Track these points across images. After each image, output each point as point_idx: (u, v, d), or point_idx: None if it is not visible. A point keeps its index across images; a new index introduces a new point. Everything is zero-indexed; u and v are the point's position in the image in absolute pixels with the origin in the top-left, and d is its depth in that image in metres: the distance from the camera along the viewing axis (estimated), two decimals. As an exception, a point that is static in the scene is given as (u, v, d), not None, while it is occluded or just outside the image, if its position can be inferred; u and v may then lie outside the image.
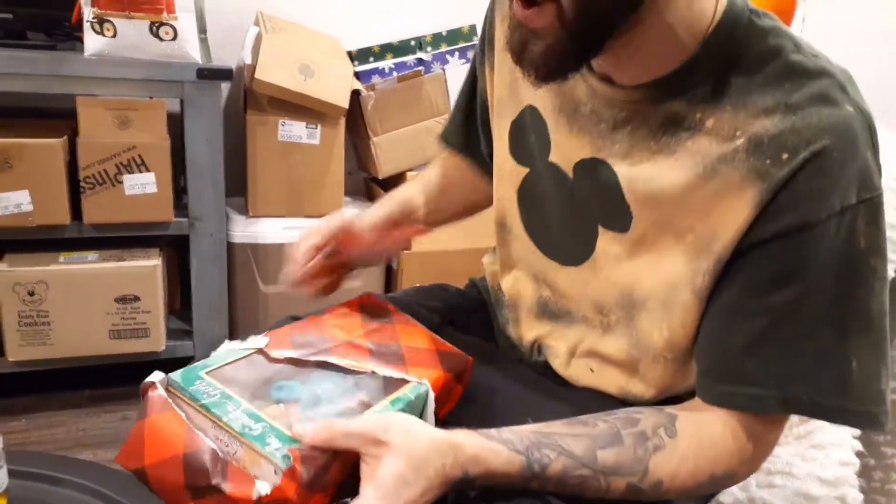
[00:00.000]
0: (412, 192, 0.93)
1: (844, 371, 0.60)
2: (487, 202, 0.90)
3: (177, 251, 1.84)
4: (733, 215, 0.60)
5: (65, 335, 1.59)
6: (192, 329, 1.74)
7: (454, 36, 1.90)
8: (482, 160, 0.90)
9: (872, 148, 0.59)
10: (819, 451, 0.88)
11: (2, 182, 1.46)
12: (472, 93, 0.90)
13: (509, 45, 0.63)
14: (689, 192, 0.63)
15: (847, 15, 2.48)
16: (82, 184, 1.53)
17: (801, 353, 0.60)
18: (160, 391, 0.59)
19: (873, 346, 0.61)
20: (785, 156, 0.58)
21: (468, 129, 0.92)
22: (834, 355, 0.60)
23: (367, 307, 0.81)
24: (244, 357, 0.67)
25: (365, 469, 0.57)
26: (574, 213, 0.73)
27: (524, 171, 0.79)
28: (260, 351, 0.68)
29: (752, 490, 0.87)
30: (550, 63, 0.60)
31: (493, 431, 0.61)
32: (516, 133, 0.79)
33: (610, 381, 0.75)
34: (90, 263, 1.59)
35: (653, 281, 0.67)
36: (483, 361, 0.80)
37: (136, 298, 1.63)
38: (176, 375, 0.61)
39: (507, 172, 0.81)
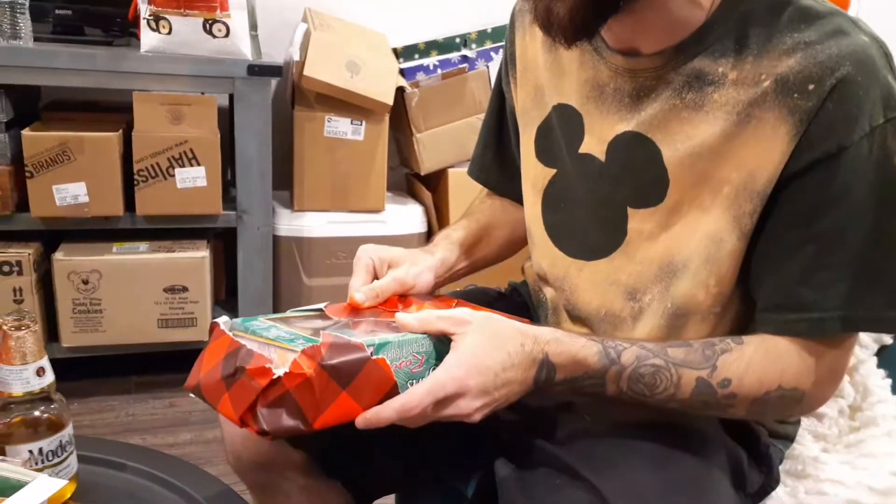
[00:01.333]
0: (462, 235, 0.91)
1: (894, 284, 0.63)
2: None
3: (224, 242, 1.88)
4: (771, 153, 0.63)
5: (116, 323, 1.65)
6: (238, 320, 1.78)
7: (499, 33, 1.90)
8: (521, 194, 0.89)
9: (892, 71, 0.63)
10: (870, 461, 0.87)
11: (62, 174, 1.51)
12: (500, 121, 0.91)
13: (536, 16, 0.66)
14: (725, 141, 0.65)
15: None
16: (136, 176, 1.57)
17: (853, 273, 0.63)
18: (222, 327, 0.64)
19: None
20: (812, 87, 0.61)
21: (501, 165, 0.92)
22: (883, 271, 0.63)
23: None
24: (304, 315, 0.71)
25: (452, 345, 0.62)
26: (602, 203, 0.75)
27: (551, 172, 0.80)
28: (319, 312, 0.72)
29: (800, 496, 0.86)
30: (576, 20, 0.63)
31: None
32: (542, 137, 0.81)
33: None
34: (141, 254, 1.64)
35: (694, 241, 0.69)
36: None
37: (185, 289, 1.67)
38: (238, 319, 0.67)
39: (533, 178, 0.82)
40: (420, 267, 0.81)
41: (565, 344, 0.64)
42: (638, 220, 0.72)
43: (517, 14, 0.86)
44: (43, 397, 0.70)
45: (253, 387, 0.57)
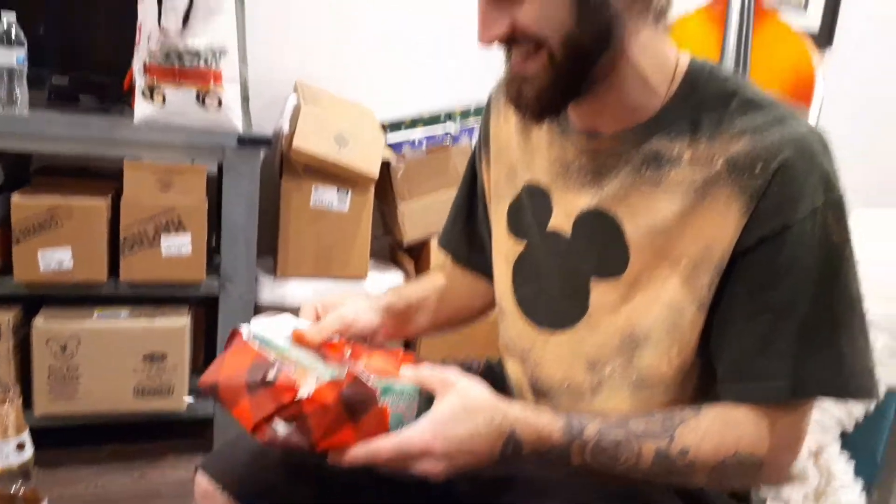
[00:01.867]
0: (417, 291, 0.97)
1: (839, 353, 0.68)
2: (490, 306, 0.96)
3: (205, 308, 1.87)
4: (725, 228, 0.69)
5: (91, 390, 1.62)
6: (216, 388, 1.76)
7: (481, 111, 1.96)
8: (485, 266, 0.95)
9: (829, 157, 0.69)
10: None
11: (48, 239, 1.51)
12: (471, 197, 0.96)
13: (508, 96, 0.74)
14: (683, 217, 0.71)
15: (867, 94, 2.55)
16: (122, 243, 1.58)
17: (801, 342, 0.68)
18: (244, 336, 0.71)
19: (859, 326, 0.69)
20: (759, 168, 0.67)
21: (469, 238, 0.97)
22: (829, 341, 0.68)
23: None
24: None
25: (431, 408, 0.67)
26: (568, 274, 0.79)
27: (521, 245, 0.85)
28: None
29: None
30: (543, 101, 0.71)
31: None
32: (514, 212, 0.86)
33: None
34: (122, 321, 1.63)
35: (654, 312, 0.73)
36: None
37: (164, 357, 1.65)
38: (255, 328, 0.73)
39: (505, 251, 0.87)
40: (361, 306, 0.86)
41: (532, 420, 0.68)
42: (600, 292, 0.76)
43: (493, 99, 0.92)
44: (22, 472, 0.69)
45: (276, 400, 0.64)
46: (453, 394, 0.67)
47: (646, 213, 0.72)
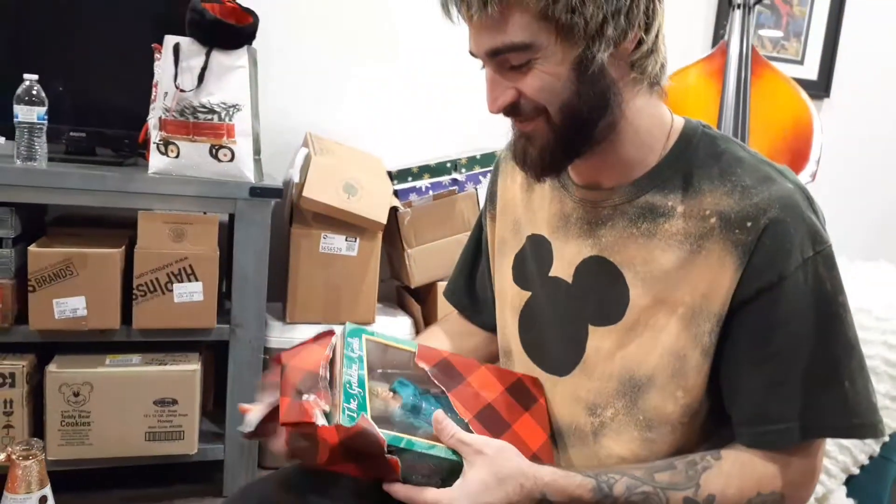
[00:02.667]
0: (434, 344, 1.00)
1: (842, 394, 0.72)
2: (493, 357, 1.00)
3: (214, 353, 1.90)
4: (721, 280, 0.73)
5: (103, 435, 1.64)
6: (225, 433, 1.78)
7: (487, 159, 2.02)
8: (482, 321, 1.01)
9: (813, 211, 0.74)
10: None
11: (63, 288, 1.55)
12: (476, 253, 1.02)
13: (514, 155, 0.80)
14: (679, 267, 0.75)
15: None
16: (135, 291, 1.62)
17: (805, 386, 0.71)
18: (336, 336, 0.79)
19: (859, 367, 0.73)
20: (749, 224, 0.72)
21: (470, 292, 1.03)
22: (832, 383, 0.72)
23: (509, 379, 0.88)
24: (398, 346, 0.84)
25: (462, 472, 0.71)
26: (567, 320, 0.83)
27: (526, 295, 0.89)
28: (411, 353, 0.84)
29: None
30: (546, 159, 0.76)
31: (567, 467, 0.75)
32: (519, 264, 0.91)
33: None
34: (134, 366, 1.66)
35: (654, 358, 0.76)
36: None
37: (175, 401, 1.68)
38: (350, 326, 0.81)
39: (510, 300, 0.91)
40: None
41: (561, 483, 0.71)
42: (597, 338, 0.80)
43: (501, 161, 0.98)
44: (44, 526, 0.72)
45: (301, 415, 0.70)
46: (484, 460, 0.70)
47: (643, 262, 0.77)
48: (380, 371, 0.81)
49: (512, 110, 0.75)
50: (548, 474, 0.72)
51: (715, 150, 0.77)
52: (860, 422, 0.73)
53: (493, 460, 0.70)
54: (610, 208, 0.80)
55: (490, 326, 0.99)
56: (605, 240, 0.80)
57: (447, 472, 0.72)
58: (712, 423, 0.78)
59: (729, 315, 0.73)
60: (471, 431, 0.78)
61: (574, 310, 0.82)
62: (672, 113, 0.81)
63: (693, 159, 0.77)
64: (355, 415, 0.69)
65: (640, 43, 0.72)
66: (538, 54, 0.69)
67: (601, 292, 0.80)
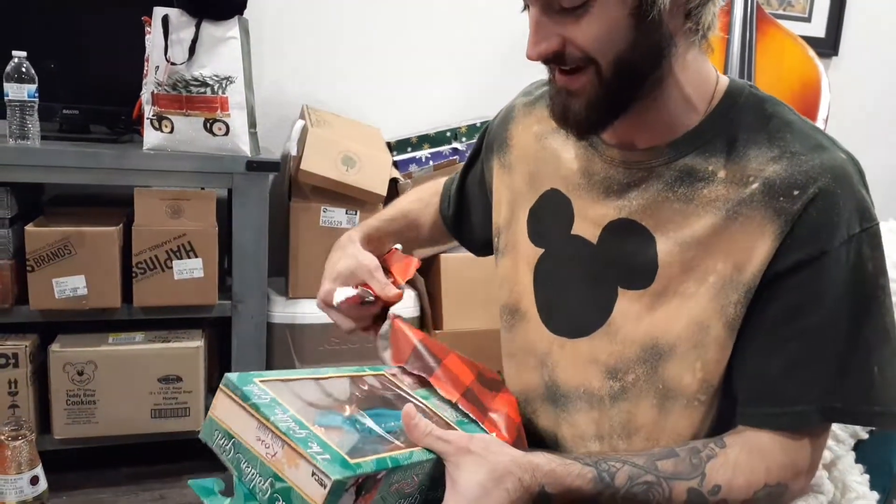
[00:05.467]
0: (410, 209, 1.05)
1: (870, 380, 0.68)
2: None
3: (218, 330, 1.90)
4: (758, 249, 0.68)
5: (109, 414, 1.64)
6: (230, 408, 1.78)
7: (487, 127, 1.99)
8: (451, 227, 1.04)
9: (864, 186, 0.69)
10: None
11: (62, 267, 1.54)
12: (471, 165, 1.00)
13: (552, 112, 0.74)
14: (713, 234, 0.70)
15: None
16: (134, 269, 1.61)
17: (833, 369, 0.68)
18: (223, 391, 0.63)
19: (891, 354, 0.69)
20: (796, 192, 0.67)
21: (458, 200, 1.03)
22: (860, 368, 0.68)
23: (476, 367, 0.85)
24: (297, 379, 0.71)
25: (449, 477, 0.63)
26: (593, 281, 0.79)
27: (539, 251, 0.85)
28: (314, 379, 0.72)
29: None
30: (592, 117, 0.71)
31: (564, 454, 0.69)
32: (534, 218, 0.86)
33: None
34: (137, 345, 1.66)
35: (680, 326, 0.73)
36: None
37: (179, 379, 1.68)
38: (232, 376, 0.64)
39: (525, 257, 0.87)
40: (350, 254, 0.91)
41: (560, 473, 0.66)
42: (627, 301, 0.76)
43: (516, 108, 0.91)
44: (37, 504, 0.71)
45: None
46: (473, 460, 0.63)
47: (676, 228, 0.73)
48: (297, 407, 0.64)
49: (556, 58, 0.68)
50: (546, 464, 0.66)
51: (763, 113, 0.72)
52: (883, 410, 0.68)
53: (485, 458, 0.63)
54: (645, 170, 0.75)
55: (440, 238, 1.04)
56: (636, 202, 0.75)
57: (427, 477, 0.64)
58: (729, 412, 0.74)
59: (760, 287, 0.69)
60: (461, 412, 0.74)
61: (600, 271, 0.78)
62: (717, 70, 0.76)
63: (738, 121, 0.72)
64: (329, 457, 0.57)
65: None
66: None
67: (630, 256, 0.76)
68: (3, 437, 0.69)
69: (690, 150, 0.73)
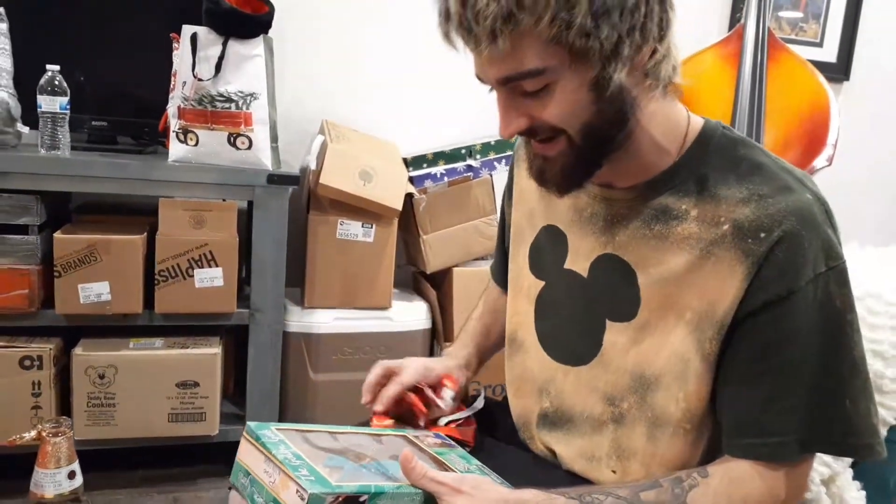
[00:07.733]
0: (480, 329, 1.07)
1: (844, 412, 0.71)
2: None
3: (234, 337, 1.94)
4: (729, 288, 0.72)
5: (128, 417, 1.69)
6: (245, 414, 1.82)
7: (501, 145, 2.03)
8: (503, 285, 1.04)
9: (831, 225, 0.72)
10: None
11: (87, 274, 1.59)
12: (503, 233, 1.04)
13: (532, 173, 0.79)
14: (689, 272, 0.74)
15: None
16: (157, 276, 1.66)
17: (807, 403, 0.71)
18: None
19: (862, 387, 0.73)
20: (762, 234, 0.70)
21: (505, 265, 1.03)
22: (833, 401, 0.71)
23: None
24: (313, 430, 0.77)
25: None
26: (584, 312, 0.83)
27: (541, 284, 0.90)
28: (331, 433, 0.78)
29: None
30: (568, 178, 0.75)
31: (550, 489, 0.71)
32: (535, 253, 0.92)
33: (633, 477, 0.81)
34: (157, 350, 1.70)
35: (662, 358, 0.76)
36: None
37: (196, 384, 1.72)
38: (253, 424, 0.73)
39: (526, 288, 0.92)
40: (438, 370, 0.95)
41: None
42: (614, 333, 0.80)
43: (517, 149, 0.99)
44: (72, 499, 0.75)
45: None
46: (466, 500, 0.67)
47: (655, 264, 0.76)
48: (304, 450, 0.72)
49: (528, 132, 0.73)
50: (531, 497, 0.69)
51: (734, 155, 0.76)
52: (860, 442, 0.72)
53: (475, 497, 0.67)
54: (625, 207, 0.79)
55: None
56: (619, 238, 0.80)
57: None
58: (719, 438, 0.77)
59: (732, 325, 0.72)
60: (476, 464, 0.79)
61: (590, 304, 0.83)
62: (689, 112, 0.79)
63: (710, 162, 0.76)
64: (313, 479, 0.64)
65: (653, 52, 0.70)
66: (553, 78, 0.68)
67: (615, 290, 0.80)
68: (44, 433, 0.73)
69: (665, 189, 0.77)
